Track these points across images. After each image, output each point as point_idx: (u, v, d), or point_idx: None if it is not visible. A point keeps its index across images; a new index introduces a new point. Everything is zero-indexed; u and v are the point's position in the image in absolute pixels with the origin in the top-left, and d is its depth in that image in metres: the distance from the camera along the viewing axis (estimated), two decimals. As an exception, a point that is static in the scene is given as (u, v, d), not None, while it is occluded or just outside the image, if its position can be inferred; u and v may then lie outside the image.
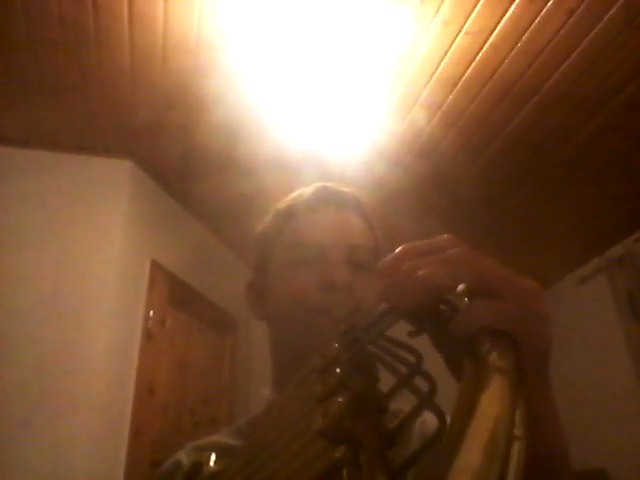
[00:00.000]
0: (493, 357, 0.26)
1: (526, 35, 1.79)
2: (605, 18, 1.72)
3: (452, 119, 2.18)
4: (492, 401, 0.23)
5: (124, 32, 1.79)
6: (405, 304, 0.31)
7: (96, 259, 2.19)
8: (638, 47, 1.83)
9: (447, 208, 2.75)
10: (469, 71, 1.94)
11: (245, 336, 2.98)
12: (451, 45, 1.84)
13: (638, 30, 1.76)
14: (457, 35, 1.80)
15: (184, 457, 0.62)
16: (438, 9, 1.70)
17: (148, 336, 2.30)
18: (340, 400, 0.28)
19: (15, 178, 2.25)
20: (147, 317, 2.32)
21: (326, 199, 0.69)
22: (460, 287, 0.31)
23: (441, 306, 0.32)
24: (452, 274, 0.30)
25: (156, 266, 2.43)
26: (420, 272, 0.30)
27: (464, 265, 0.31)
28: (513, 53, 1.86)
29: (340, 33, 1.78)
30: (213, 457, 0.37)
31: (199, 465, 0.37)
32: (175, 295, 2.53)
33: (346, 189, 0.72)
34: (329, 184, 0.72)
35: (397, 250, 0.34)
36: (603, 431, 2.78)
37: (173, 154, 2.40)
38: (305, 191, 0.71)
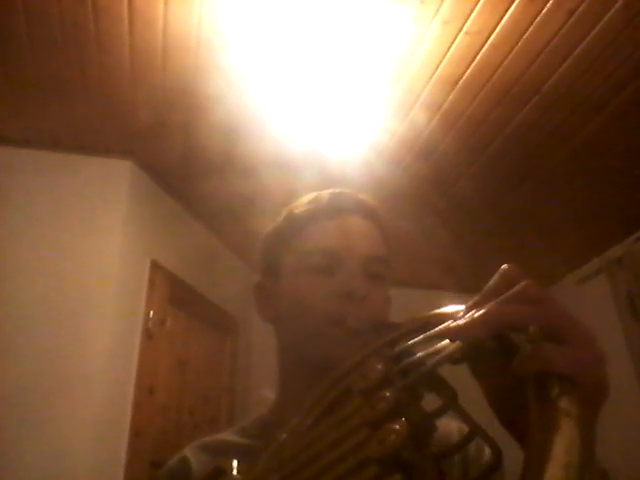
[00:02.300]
0: (564, 402, 0.26)
1: (526, 35, 1.79)
2: (605, 18, 1.72)
3: (452, 119, 2.18)
4: (565, 447, 0.24)
5: (124, 32, 1.79)
6: (472, 337, 0.30)
7: (96, 259, 2.19)
8: (638, 47, 1.82)
9: (447, 208, 2.75)
10: (469, 71, 1.94)
11: (245, 336, 2.97)
12: (451, 45, 1.84)
13: (638, 30, 1.76)
14: (457, 35, 1.79)
15: (191, 456, 0.61)
16: (438, 9, 1.70)
17: (148, 336, 2.29)
18: (399, 428, 0.28)
19: (15, 178, 2.25)
20: (147, 317, 2.32)
21: (344, 207, 0.68)
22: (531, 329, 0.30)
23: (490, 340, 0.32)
24: (525, 315, 0.30)
25: (156, 266, 2.43)
26: (493, 307, 0.30)
27: (535, 305, 0.30)
28: (513, 53, 1.86)
29: (340, 33, 1.78)
30: (235, 463, 0.36)
31: (221, 471, 0.36)
32: (175, 295, 2.53)
33: (364, 197, 0.71)
34: (347, 190, 0.71)
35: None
36: (603, 431, 2.77)
37: (173, 154, 2.39)
38: (322, 196, 0.69)
